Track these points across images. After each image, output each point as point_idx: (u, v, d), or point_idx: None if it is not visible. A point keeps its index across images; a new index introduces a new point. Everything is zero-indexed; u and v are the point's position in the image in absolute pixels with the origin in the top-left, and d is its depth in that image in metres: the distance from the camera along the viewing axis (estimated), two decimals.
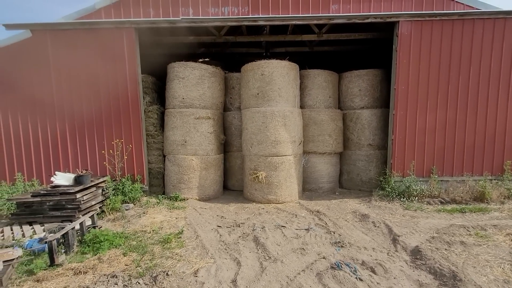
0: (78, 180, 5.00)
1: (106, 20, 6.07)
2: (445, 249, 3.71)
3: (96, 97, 6.21)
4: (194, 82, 6.48)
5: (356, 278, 3.06)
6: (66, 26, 6.05)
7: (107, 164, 6.10)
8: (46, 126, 6.19)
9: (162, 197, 6.31)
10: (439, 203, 5.77)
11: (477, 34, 6.04)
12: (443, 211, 5.34)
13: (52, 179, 4.96)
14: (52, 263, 3.40)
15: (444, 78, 6.15)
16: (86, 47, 6.12)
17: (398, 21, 6.05)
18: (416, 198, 5.91)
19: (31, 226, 4.61)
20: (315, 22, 6.34)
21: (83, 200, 4.80)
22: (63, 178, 4.98)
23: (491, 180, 6.12)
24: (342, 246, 3.92)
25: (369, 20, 6.06)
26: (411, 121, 6.26)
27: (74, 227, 3.90)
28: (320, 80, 7.22)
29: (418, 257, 3.55)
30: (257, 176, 6.15)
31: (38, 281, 3.11)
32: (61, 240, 3.73)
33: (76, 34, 6.09)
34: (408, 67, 6.14)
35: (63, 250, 3.67)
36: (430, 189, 6.05)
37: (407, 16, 6.02)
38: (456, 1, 6.13)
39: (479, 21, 6.02)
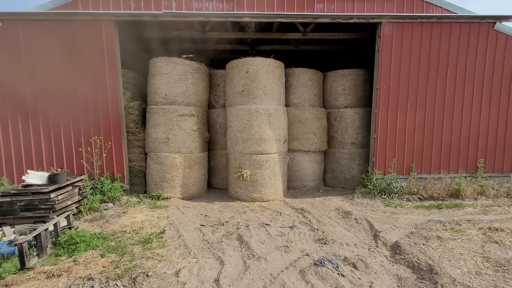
0: (52, 179, 4.75)
1: (83, 12, 5.79)
2: (423, 244, 3.84)
3: (73, 91, 5.91)
4: (177, 78, 6.32)
5: (338, 274, 3.10)
6: (40, 16, 5.71)
7: (84, 162, 5.84)
8: (17, 122, 5.82)
9: (144, 196, 6.13)
10: (418, 200, 5.99)
11: (454, 37, 6.29)
12: (422, 207, 5.54)
13: (23, 178, 4.69)
14: (23, 267, 3.22)
15: (423, 79, 6.36)
16: (61, 40, 5.81)
17: (381, 22, 6.19)
18: (397, 195, 6.09)
19: (0, 228, 4.33)
20: (300, 20, 6.36)
21: (57, 200, 4.56)
22: (35, 177, 4.72)
23: (466, 177, 6.42)
24: (325, 243, 3.97)
25: (352, 20, 6.16)
26: (392, 120, 6.43)
27: (47, 228, 3.70)
28: (305, 78, 7.26)
29: (397, 252, 3.65)
30: (241, 174, 6.11)
31: (6, 286, 2.93)
32: (33, 242, 3.54)
33: (50, 25, 5.76)
34: (389, 68, 6.30)
35: (35, 253, 3.49)
36: (409, 186, 6.26)
37: (389, 17, 6.16)
38: (435, 5, 6.34)
39: (456, 25, 6.26)
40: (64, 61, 5.85)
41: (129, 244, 3.91)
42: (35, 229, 3.63)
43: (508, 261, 3.32)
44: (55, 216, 4.37)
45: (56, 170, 4.99)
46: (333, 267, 3.21)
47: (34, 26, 5.74)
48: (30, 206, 4.47)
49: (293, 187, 7.26)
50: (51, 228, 3.88)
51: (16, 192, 4.48)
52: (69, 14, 5.75)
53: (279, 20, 6.24)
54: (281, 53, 8.70)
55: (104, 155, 5.95)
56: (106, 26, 5.86)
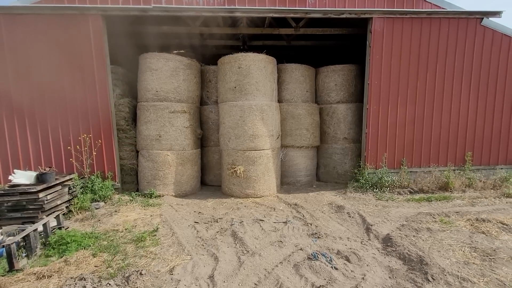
0: (40, 178, 4.63)
1: (69, 6, 5.61)
2: (413, 236, 3.93)
3: (60, 88, 5.75)
4: (168, 74, 6.22)
5: (332, 267, 3.14)
6: (23, 10, 5.51)
7: (74, 161, 5.71)
8: (2, 119, 5.63)
9: (136, 194, 6.06)
10: (409, 193, 6.10)
11: (443, 33, 6.37)
12: (412, 200, 5.65)
13: (10, 177, 4.56)
14: (12, 268, 3.15)
15: (413, 74, 6.44)
16: (47, 35, 5.62)
17: (372, 18, 6.21)
18: (388, 188, 6.19)
19: None
20: (292, 15, 6.32)
21: (46, 200, 4.45)
22: (23, 177, 4.59)
23: (454, 170, 6.57)
24: (318, 237, 4.01)
25: (344, 16, 6.16)
26: (383, 115, 6.51)
27: (36, 229, 3.61)
28: (298, 74, 7.26)
29: (389, 244, 3.72)
30: (235, 170, 6.09)
31: None
32: (21, 243, 3.45)
33: (35, 20, 5.56)
34: (380, 63, 6.35)
35: (24, 254, 3.40)
36: (400, 180, 6.37)
37: (380, 13, 6.19)
38: (425, 0, 6.41)
39: (445, 20, 6.34)
40: (50, 57, 5.67)
41: (121, 243, 3.87)
42: (23, 230, 3.54)
43: (494, 250, 3.43)
44: (44, 216, 4.27)
45: (44, 169, 4.86)
46: (327, 261, 3.25)
47: (17, 20, 5.53)
48: (18, 207, 4.35)
49: (286, 182, 7.29)
50: (40, 228, 3.79)
51: (3, 192, 4.35)
52: (54, 8, 5.56)
53: (270, 15, 6.19)
54: (273, 49, 8.63)
55: (94, 153, 5.83)
56: (94, 21, 5.69)
